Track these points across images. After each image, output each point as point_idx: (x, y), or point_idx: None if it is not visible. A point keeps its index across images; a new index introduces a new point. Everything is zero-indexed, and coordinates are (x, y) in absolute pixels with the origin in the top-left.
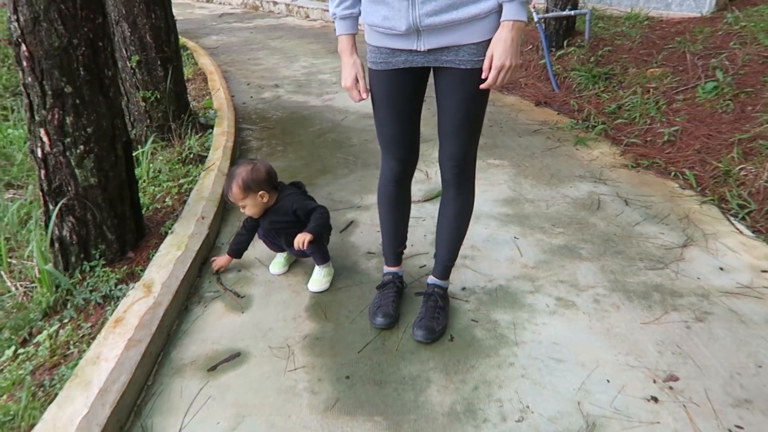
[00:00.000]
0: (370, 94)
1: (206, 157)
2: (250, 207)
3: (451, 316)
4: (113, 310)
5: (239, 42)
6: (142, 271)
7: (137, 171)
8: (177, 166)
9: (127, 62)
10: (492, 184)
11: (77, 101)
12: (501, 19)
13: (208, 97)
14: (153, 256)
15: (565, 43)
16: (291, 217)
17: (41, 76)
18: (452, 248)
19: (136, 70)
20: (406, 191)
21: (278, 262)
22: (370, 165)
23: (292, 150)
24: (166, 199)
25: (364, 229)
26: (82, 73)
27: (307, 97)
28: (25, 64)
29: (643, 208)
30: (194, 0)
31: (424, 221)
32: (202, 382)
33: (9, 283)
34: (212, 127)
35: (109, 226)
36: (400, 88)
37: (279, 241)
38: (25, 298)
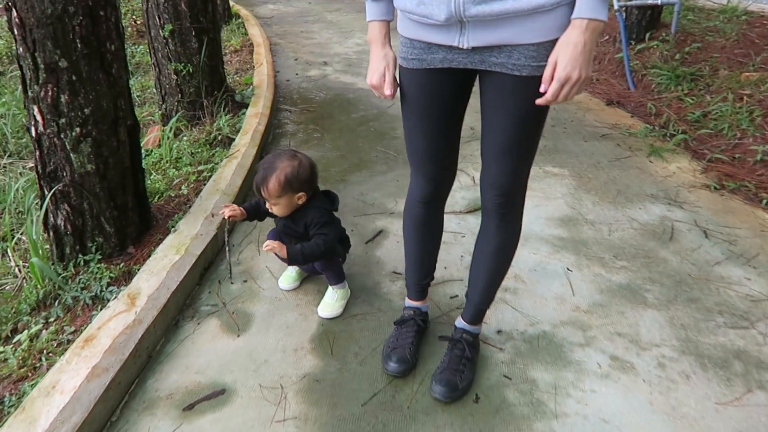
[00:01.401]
0: (399, 93)
1: (235, 140)
2: (281, 207)
3: (480, 367)
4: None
5: (295, 13)
6: (139, 270)
7: (159, 150)
8: (202, 149)
9: (160, 31)
10: (548, 198)
11: (73, 77)
12: (572, 16)
13: (250, 72)
14: (152, 253)
15: (647, 36)
16: (303, 230)
17: (33, 47)
18: (488, 290)
19: (169, 40)
20: (437, 215)
21: (289, 276)
22: None
23: (329, 138)
24: (182, 187)
25: (393, 242)
26: (79, 45)
27: (355, 78)
28: (16, 32)
29: (725, 243)
30: None
31: (463, 237)
32: (174, 423)
33: (12, 263)
34: (247, 106)
35: (107, 218)
36: (435, 92)
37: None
38: (26, 281)
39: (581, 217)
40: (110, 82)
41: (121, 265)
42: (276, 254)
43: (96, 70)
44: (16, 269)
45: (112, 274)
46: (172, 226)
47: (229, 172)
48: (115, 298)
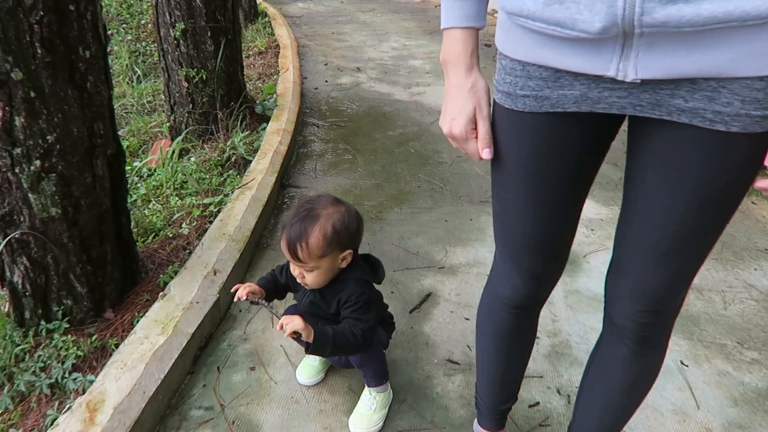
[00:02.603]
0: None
1: (251, 162)
2: (318, 274)
3: None
4: (62, 406)
5: (326, 12)
6: (116, 347)
7: (160, 174)
8: (212, 172)
9: (170, 30)
10: None
11: (31, 94)
12: None
13: (275, 77)
14: (138, 321)
15: None
16: (336, 310)
17: None
18: None
19: (181, 42)
20: (532, 321)
21: (311, 365)
22: (462, 198)
23: (362, 161)
24: (183, 224)
25: (446, 312)
26: (39, 51)
27: (393, 87)
28: None
29: None
30: None
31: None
32: None
33: None
34: (269, 119)
35: (78, 275)
36: (558, 150)
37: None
38: None
39: None
40: (84, 100)
41: (94, 338)
42: (295, 338)
43: (63, 84)
44: None
45: (80, 351)
46: (164, 282)
47: (241, 207)
48: (68, 409)
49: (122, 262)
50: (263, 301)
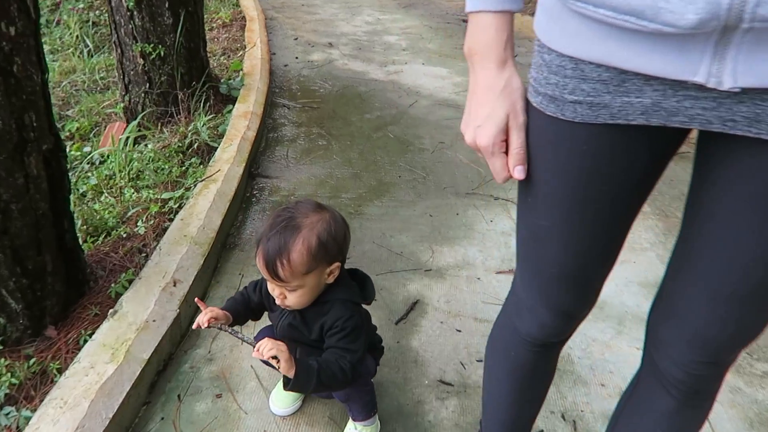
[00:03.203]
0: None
1: (216, 149)
2: (303, 293)
3: None
4: None
5: None
6: (59, 372)
7: (114, 160)
8: (171, 162)
9: (123, 0)
10: (631, 250)
11: None
12: None
13: (241, 53)
14: (85, 341)
15: None
16: (318, 336)
17: None
18: None
19: (135, 13)
20: (553, 361)
21: (286, 392)
22: (447, 189)
23: (338, 147)
24: (138, 223)
25: (435, 323)
26: None
27: (368, 65)
28: None
29: None
30: None
31: None
32: None
33: None
34: (235, 100)
35: (12, 289)
36: (614, 172)
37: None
38: None
39: None
40: (10, 86)
41: (33, 361)
42: (272, 365)
43: None
44: None
45: (15, 378)
46: (116, 293)
47: (205, 204)
48: None
49: (66, 271)
50: (228, 328)
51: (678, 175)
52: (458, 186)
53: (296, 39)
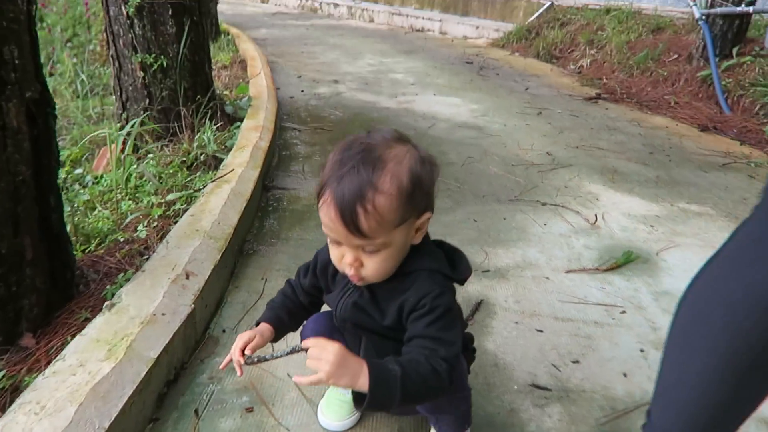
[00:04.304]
0: None
1: (224, 161)
2: (388, 255)
3: None
4: None
5: (292, 37)
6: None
7: (107, 180)
8: (175, 175)
9: (122, 7)
10: (712, 248)
11: None
12: None
13: (246, 81)
14: (66, 348)
15: (733, 51)
16: (394, 321)
17: None
18: None
19: (135, 21)
20: None
21: (340, 401)
22: (487, 197)
23: None
24: (139, 227)
25: (511, 323)
26: None
27: (377, 96)
28: None
29: None
30: (248, 0)
31: (623, 314)
32: None
33: None
34: (242, 120)
35: None
36: None
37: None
38: None
39: None
40: None
41: (2, 374)
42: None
43: None
44: None
45: None
46: (113, 294)
47: (218, 202)
48: None
49: (49, 264)
50: (269, 355)
51: (731, 182)
52: (498, 194)
53: (300, 77)
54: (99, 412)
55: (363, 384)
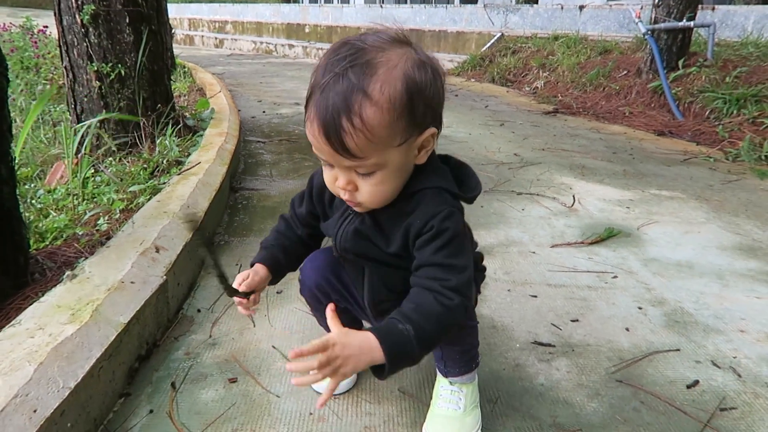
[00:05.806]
0: None
1: (188, 160)
2: (384, 177)
3: None
4: None
5: (250, 71)
6: None
7: (67, 185)
8: (138, 174)
9: (77, 16)
10: (690, 223)
11: None
12: None
13: (204, 99)
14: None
15: (680, 62)
16: (399, 248)
17: None
18: None
19: (90, 29)
20: None
21: None
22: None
23: None
24: (99, 221)
25: (503, 291)
26: None
27: None
28: None
29: None
30: (201, 45)
31: (615, 278)
32: None
33: None
34: (203, 131)
35: None
36: None
37: (351, 299)
38: None
39: (758, 243)
40: None
41: None
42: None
43: None
44: None
45: None
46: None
47: (186, 189)
48: None
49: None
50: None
51: (694, 173)
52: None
53: (260, 101)
54: (63, 371)
55: (379, 358)
